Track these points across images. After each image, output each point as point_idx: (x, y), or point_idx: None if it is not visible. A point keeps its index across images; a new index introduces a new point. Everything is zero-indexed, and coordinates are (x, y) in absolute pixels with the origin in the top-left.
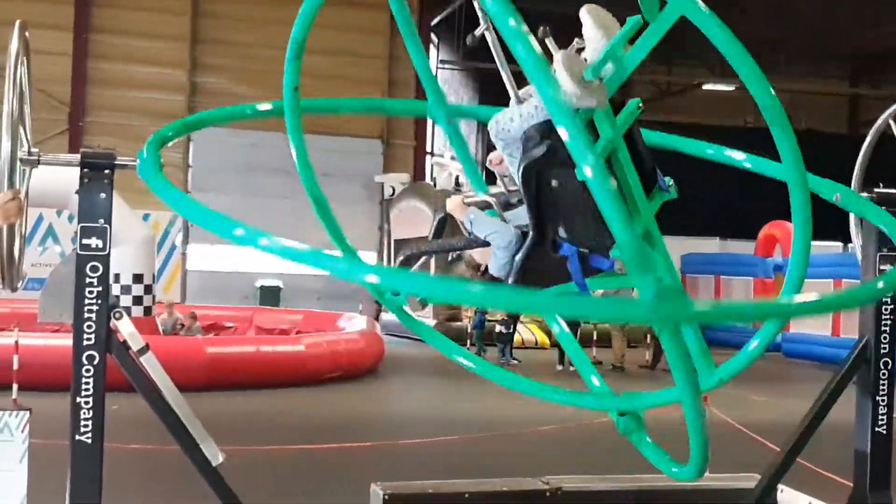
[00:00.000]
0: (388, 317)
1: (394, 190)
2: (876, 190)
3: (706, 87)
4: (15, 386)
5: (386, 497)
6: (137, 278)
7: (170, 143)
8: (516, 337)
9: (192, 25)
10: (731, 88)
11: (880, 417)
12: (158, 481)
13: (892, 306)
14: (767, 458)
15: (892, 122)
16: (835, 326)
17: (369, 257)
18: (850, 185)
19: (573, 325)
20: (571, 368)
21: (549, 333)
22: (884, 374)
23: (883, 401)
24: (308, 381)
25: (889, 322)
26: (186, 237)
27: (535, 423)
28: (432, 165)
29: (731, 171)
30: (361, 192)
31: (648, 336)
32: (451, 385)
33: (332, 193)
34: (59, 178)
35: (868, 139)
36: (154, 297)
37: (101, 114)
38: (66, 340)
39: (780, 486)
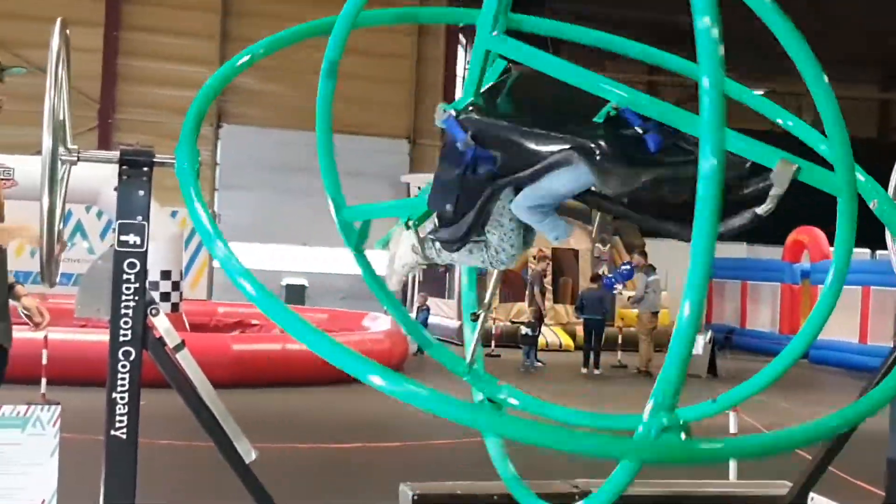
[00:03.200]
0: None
1: (420, 190)
2: None
3: None
4: (44, 380)
5: (415, 497)
6: (165, 275)
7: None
8: (540, 339)
9: (221, 23)
10: (761, 93)
11: None
12: (188, 477)
13: None
14: (797, 465)
15: None
16: (862, 333)
17: None
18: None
19: (597, 326)
20: (597, 371)
21: (573, 336)
22: None
23: None
24: (333, 380)
25: None
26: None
27: (566, 425)
28: None
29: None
30: (388, 192)
31: None
32: None
33: (358, 194)
34: (88, 174)
35: None
36: (181, 293)
37: (130, 111)
38: (96, 336)
39: (811, 494)
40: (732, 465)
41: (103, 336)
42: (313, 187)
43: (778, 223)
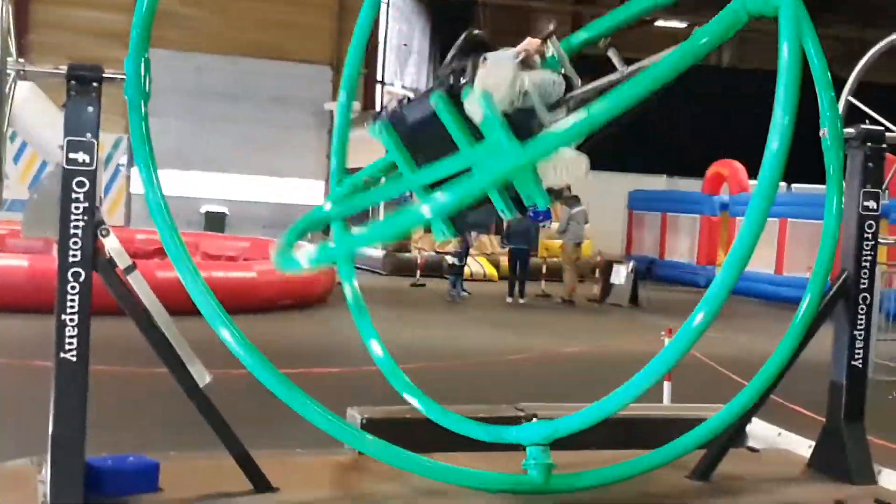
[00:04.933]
0: None
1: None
2: (862, 126)
3: (658, 23)
4: None
5: (364, 421)
6: None
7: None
8: (465, 270)
9: None
10: (683, 25)
11: (857, 351)
12: (140, 403)
13: (872, 242)
14: (730, 390)
15: None
16: (778, 265)
17: (318, 186)
18: None
19: (523, 256)
20: (522, 301)
21: (497, 266)
22: (862, 308)
23: (860, 335)
24: (260, 308)
25: (869, 257)
26: (131, 159)
27: (503, 352)
28: (383, 94)
29: (679, 108)
30: (310, 119)
31: (597, 271)
32: (405, 315)
33: (280, 120)
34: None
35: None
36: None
37: (45, 32)
38: (13, 261)
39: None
40: (666, 389)
41: (21, 261)
42: (234, 114)
43: (698, 156)
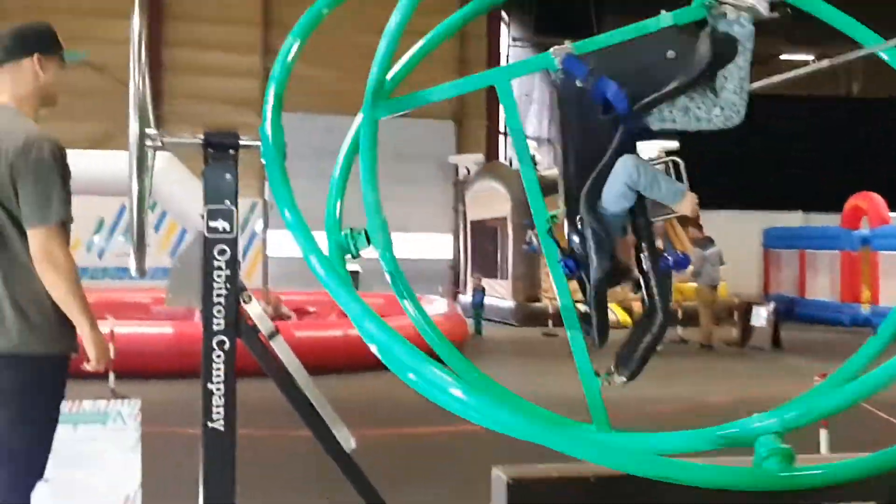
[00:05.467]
0: (465, 298)
1: (468, 171)
2: None
3: (783, 56)
4: (112, 375)
5: (510, 482)
6: None
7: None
8: None
9: (263, 8)
10: (811, 58)
11: None
12: (283, 467)
13: None
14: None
15: None
16: None
17: (445, 239)
18: None
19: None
20: (659, 347)
21: (630, 312)
22: None
23: None
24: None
25: None
26: (266, 223)
27: (641, 401)
28: (506, 144)
29: (814, 141)
30: (435, 173)
31: (736, 314)
32: (541, 365)
33: (405, 175)
34: (119, 165)
35: None
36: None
37: (176, 102)
38: (158, 329)
39: None
40: (823, 437)
41: (166, 328)
42: (359, 173)
43: (833, 190)
